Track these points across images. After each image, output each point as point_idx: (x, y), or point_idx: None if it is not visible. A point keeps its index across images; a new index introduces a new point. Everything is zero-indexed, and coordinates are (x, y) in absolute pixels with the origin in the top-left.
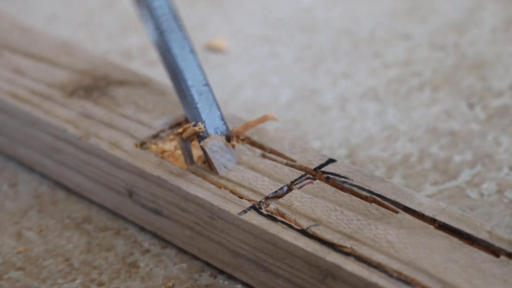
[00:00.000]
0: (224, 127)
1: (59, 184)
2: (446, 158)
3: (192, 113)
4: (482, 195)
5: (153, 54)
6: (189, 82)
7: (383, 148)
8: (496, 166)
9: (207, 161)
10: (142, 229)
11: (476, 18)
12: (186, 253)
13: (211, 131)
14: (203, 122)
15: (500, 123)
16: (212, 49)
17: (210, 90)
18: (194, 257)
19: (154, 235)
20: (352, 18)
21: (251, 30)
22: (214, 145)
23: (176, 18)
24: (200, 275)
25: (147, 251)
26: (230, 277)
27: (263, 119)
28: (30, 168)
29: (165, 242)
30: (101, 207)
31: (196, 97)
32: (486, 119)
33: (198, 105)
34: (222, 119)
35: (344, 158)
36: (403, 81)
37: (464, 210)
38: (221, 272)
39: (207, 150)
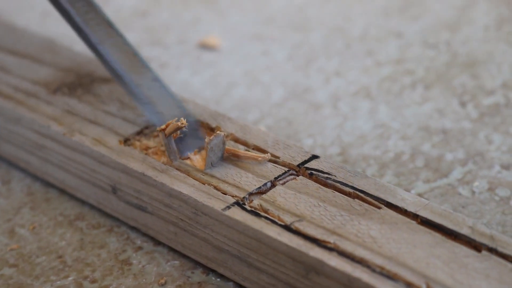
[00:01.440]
0: (182, 112)
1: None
2: (438, 156)
3: (145, 108)
4: (473, 193)
5: (146, 53)
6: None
7: (375, 146)
8: (487, 164)
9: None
10: (134, 226)
11: (468, 16)
12: (178, 251)
13: (170, 119)
14: (159, 114)
15: (492, 121)
16: (205, 47)
17: (159, 81)
18: (187, 254)
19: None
20: (344, 16)
21: (243, 28)
22: (215, 145)
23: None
24: (192, 272)
25: (140, 248)
26: (222, 275)
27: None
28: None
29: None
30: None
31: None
32: (478, 117)
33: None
34: (179, 106)
35: (336, 156)
36: (395, 79)
37: (456, 208)
38: (214, 269)
39: (208, 148)
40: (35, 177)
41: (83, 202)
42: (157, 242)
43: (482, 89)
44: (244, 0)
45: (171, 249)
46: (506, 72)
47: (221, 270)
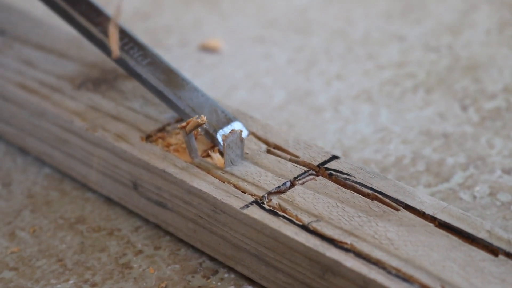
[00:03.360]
0: (226, 116)
1: (52, 184)
2: (439, 160)
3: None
4: (474, 197)
5: None
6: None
7: (376, 150)
8: (488, 169)
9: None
10: (135, 229)
11: (470, 20)
12: (179, 255)
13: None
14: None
15: (493, 126)
16: (207, 49)
17: (198, 91)
18: (187, 258)
19: (147, 236)
20: (346, 20)
21: (245, 31)
22: (232, 142)
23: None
24: (193, 276)
25: (140, 252)
26: (222, 279)
27: None
28: (23, 168)
29: (158, 243)
30: (95, 207)
31: (188, 109)
32: (479, 122)
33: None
34: (222, 111)
35: None
36: (396, 83)
37: None
38: (214, 273)
39: (225, 145)
40: (35, 180)
41: (83, 205)
42: (158, 246)
43: (483, 93)
44: (246, 2)
45: (172, 253)
46: (507, 76)
47: (238, 268)
